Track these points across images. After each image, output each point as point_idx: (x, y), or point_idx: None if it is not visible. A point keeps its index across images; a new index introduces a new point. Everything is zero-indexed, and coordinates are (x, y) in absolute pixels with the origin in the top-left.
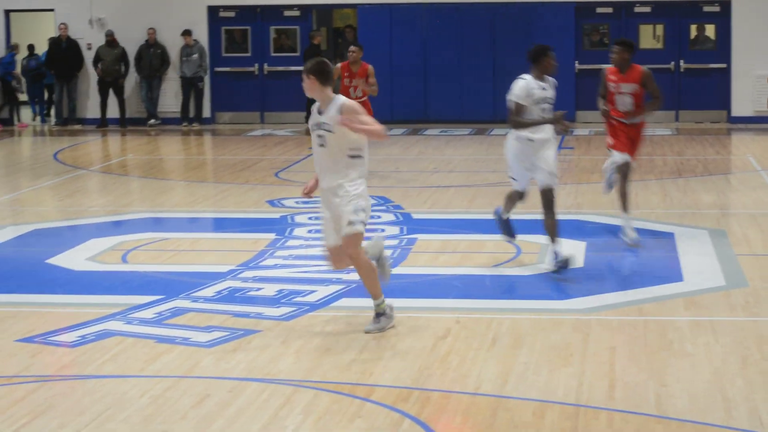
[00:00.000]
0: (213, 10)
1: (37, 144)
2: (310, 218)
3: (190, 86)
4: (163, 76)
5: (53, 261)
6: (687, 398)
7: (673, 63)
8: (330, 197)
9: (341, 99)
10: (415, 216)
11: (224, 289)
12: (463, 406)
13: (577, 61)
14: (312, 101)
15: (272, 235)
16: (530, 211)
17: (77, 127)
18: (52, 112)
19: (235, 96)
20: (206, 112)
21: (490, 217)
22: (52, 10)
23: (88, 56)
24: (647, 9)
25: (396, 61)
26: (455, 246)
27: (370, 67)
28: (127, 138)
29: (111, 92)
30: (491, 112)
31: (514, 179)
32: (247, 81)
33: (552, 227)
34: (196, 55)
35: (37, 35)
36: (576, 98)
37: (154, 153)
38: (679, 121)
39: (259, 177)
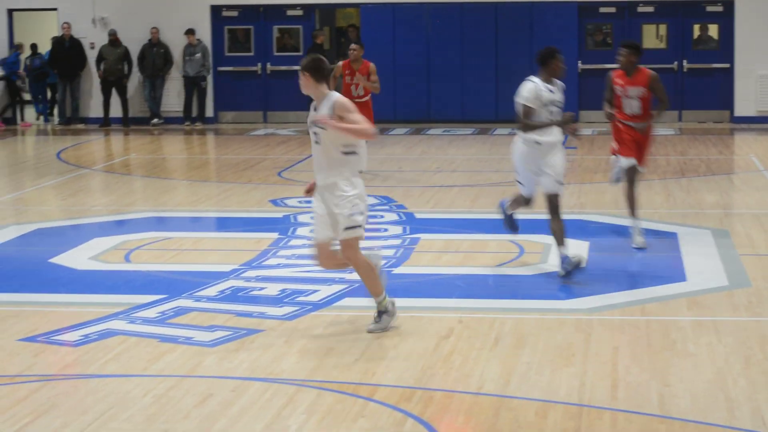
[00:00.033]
0: (216, 10)
1: (40, 143)
2: (312, 218)
3: (192, 85)
4: (166, 76)
5: (56, 260)
6: (690, 398)
7: (676, 63)
8: (325, 194)
9: (334, 96)
10: (417, 215)
11: (227, 289)
12: (465, 405)
13: (580, 61)
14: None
15: (275, 235)
16: (534, 210)
17: (80, 126)
18: (55, 111)
19: (238, 95)
20: (209, 112)
21: (493, 216)
22: (55, 9)
23: (91, 55)
24: (650, 9)
25: (399, 60)
26: (458, 246)
27: (371, 65)
28: (130, 137)
29: (114, 91)
30: (494, 112)
31: (520, 183)
32: (250, 80)
33: (558, 231)
34: (199, 55)
35: (40, 35)
36: (579, 98)
37: (157, 152)
38: (682, 121)
39: (261, 176)
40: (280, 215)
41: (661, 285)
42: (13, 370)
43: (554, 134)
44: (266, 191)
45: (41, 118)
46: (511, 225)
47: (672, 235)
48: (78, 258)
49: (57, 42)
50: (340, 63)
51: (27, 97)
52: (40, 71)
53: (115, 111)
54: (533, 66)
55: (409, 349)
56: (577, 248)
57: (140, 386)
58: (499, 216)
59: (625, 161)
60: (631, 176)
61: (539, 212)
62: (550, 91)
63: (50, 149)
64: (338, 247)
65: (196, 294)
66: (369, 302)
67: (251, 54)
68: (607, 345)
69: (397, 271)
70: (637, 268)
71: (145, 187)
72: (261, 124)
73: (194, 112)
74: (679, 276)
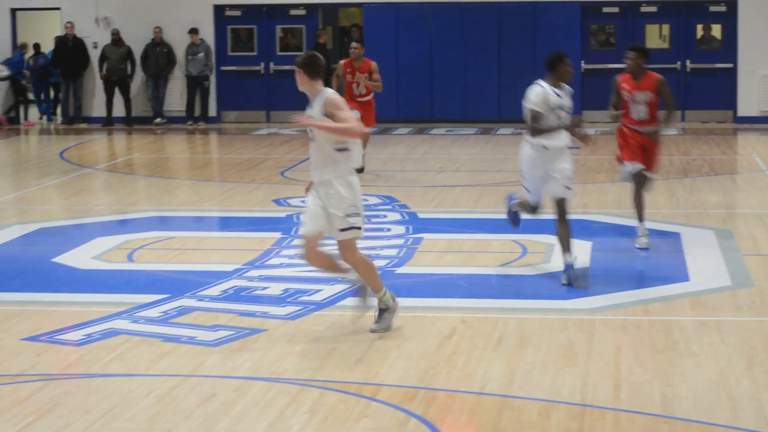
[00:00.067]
0: (219, 9)
1: (43, 142)
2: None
3: (195, 85)
4: (169, 75)
5: (59, 259)
6: (693, 398)
7: (679, 63)
8: (320, 191)
9: (327, 93)
10: (420, 215)
11: (230, 288)
12: (468, 405)
13: (583, 61)
14: None
15: (278, 234)
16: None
17: (83, 125)
18: (59, 110)
19: (241, 95)
20: (212, 111)
21: (496, 216)
22: (58, 8)
23: (94, 55)
24: (653, 9)
25: (402, 60)
26: (461, 245)
27: (373, 64)
28: (133, 137)
29: (117, 91)
30: (497, 112)
31: (527, 190)
32: (253, 80)
33: (565, 237)
34: (201, 54)
35: (43, 34)
36: (582, 98)
37: (160, 152)
38: (685, 121)
39: (264, 176)
40: (283, 215)
41: (664, 285)
42: (15, 369)
43: (562, 139)
44: (269, 191)
45: (44, 117)
46: (514, 220)
47: (675, 235)
48: (81, 257)
49: (60, 41)
50: (342, 62)
51: (30, 96)
52: (44, 71)
53: (118, 110)
54: (536, 66)
55: (412, 348)
56: (580, 248)
57: (143, 386)
58: (504, 209)
59: (631, 166)
60: (638, 181)
61: (544, 213)
62: (558, 95)
63: (53, 149)
64: (327, 249)
65: (199, 293)
66: (372, 302)
67: (254, 53)
68: (610, 345)
69: (399, 270)
70: (640, 269)
71: (148, 187)
72: (264, 124)
73: (197, 112)
74: (682, 276)
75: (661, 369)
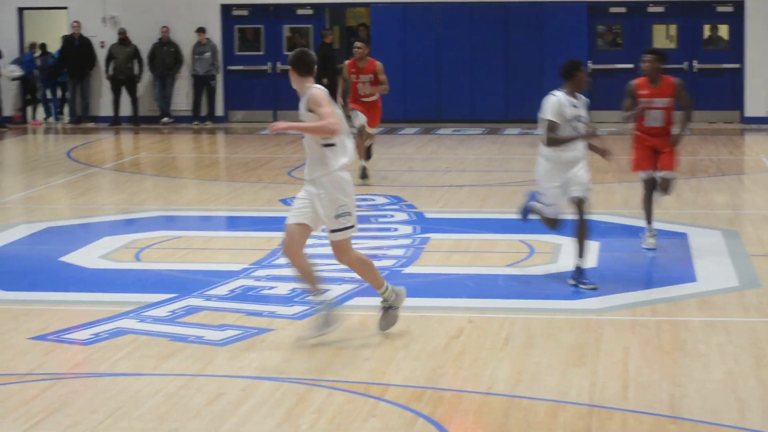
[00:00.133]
0: (226, 9)
1: (50, 142)
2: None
3: (202, 84)
4: (176, 75)
5: (66, 259)
6: (700, 399)
7: (686, 63)
8: (310, 189)
9: (311, 90)
10: (427, 215)
11: (237, 288)
12: (475, 405)
13: (590, 61)
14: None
15: None
16: None
17: (90, 125)
18: (66, 110)
19: (247, 94)
20: (219, 111)
21: (503, 216)
22: (65, 8)
23: (101, 54)
24: (660, 9)
25: (409, 60)
26: (468, 245)
27: (378, 64)
28: (140, 136)
29: (124, 90)
30: (504, 112)
31: (545, 204)
32: (259, 79)
33: (582, 241)
34: (208, 54)
35: (50, 33)
36: (589, 98)
37: (167, 151)
38: (692, 121)
39: (271, 175)
40: None
41: (672, 285)
42: (23, 368)
43: (578, 149)
44: (276, 190)
45: (51, 116)
46: (524, 214)
47: (682, 236)
48: (88, 256)
49: (67, 41)
50: (347, 62)
51: (47, 95)
52: (53, 70)
53: (125, 110)
54: (543, 66)
55: (420, 348)
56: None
57: (150, 385)
58: (522, 203)
59: (643, 174)
60: (648, 186)
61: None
62: (574, 105)
63: (60, 148)
64: (313, 261)
65: (207, 293)
66: (377, 302)
67: (261, 53)
68: (617, 345)
69: (406, 270)
70: (648, 269)
71: (155, 186)
72: (281, 121)
73: (204, 111)
74: (689, 276)
75: (668, 369)
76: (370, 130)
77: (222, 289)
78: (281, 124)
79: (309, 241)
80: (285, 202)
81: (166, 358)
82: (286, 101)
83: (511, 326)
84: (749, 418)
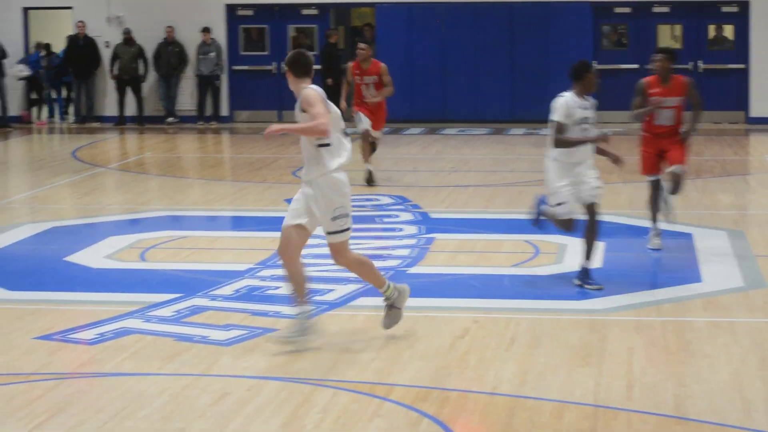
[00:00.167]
0: (231, 9)
1: (55, 142)
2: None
3: (206, 84)
4: (181, 75)
5: (71, 259)
6: (705, 399)
7: (691, 63)
8: (306, 190)
9: (304, 90)
10: (432, 215)
11: (242, 288)
12: (481, 405)
13: (595, 61)
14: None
15: None
16: None
17: (95, 124)
18: (71, 109)
19: (252, 94)
20: (224, 111)
21: (508, 216)
22: (70, 8)
23: (106, 54)
24: (666, 9)
25: (414, 60)
26: (473, 245)
27: (383, 66)
28: (145, 136)
29: (129, 90)
30: (509, 112)
31: (559, 204)
32: (264, 79)
33: (590, 244)
34: (213, 53)
35: (55, 33)
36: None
37: (172, 151)
38: (701, 121)
39: (276, 175)
40: None
41: (677, 286)
42: (29, 368)
43: (585, 149)
44: (281, 190)
45: (55, 116)
46: (536, 221)
47: (687, 236)
48: (93, 256)
49: (72, 41)
50: (350, 64)
51: (53, 94)
52: (59, 70)
53: (130, 110)
54: (548, 66)
55: (425, 348)
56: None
57: (156, 385)
58: (533, 209)
59: (650, 177)
60: (654, 188)
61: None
62: (583, 107)
63: (65, 148)
64: (306, 269)
65: (212, 293)
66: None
67: (266, 53)
68: (622, 345)
69: (411, 270)
70: (653, 269)
71: (160, 186)
72: (276, 123)
73: (208, 111)
74: (694, 277)
75: (673, 370)
76: (375, 134)
77: (227, 289)
78: (275, 127)
79: (319, 241)
80: (290, 202)
81: (171, 357)
82: (291, 101)
83: (516, 326)
84: (755, 418)
